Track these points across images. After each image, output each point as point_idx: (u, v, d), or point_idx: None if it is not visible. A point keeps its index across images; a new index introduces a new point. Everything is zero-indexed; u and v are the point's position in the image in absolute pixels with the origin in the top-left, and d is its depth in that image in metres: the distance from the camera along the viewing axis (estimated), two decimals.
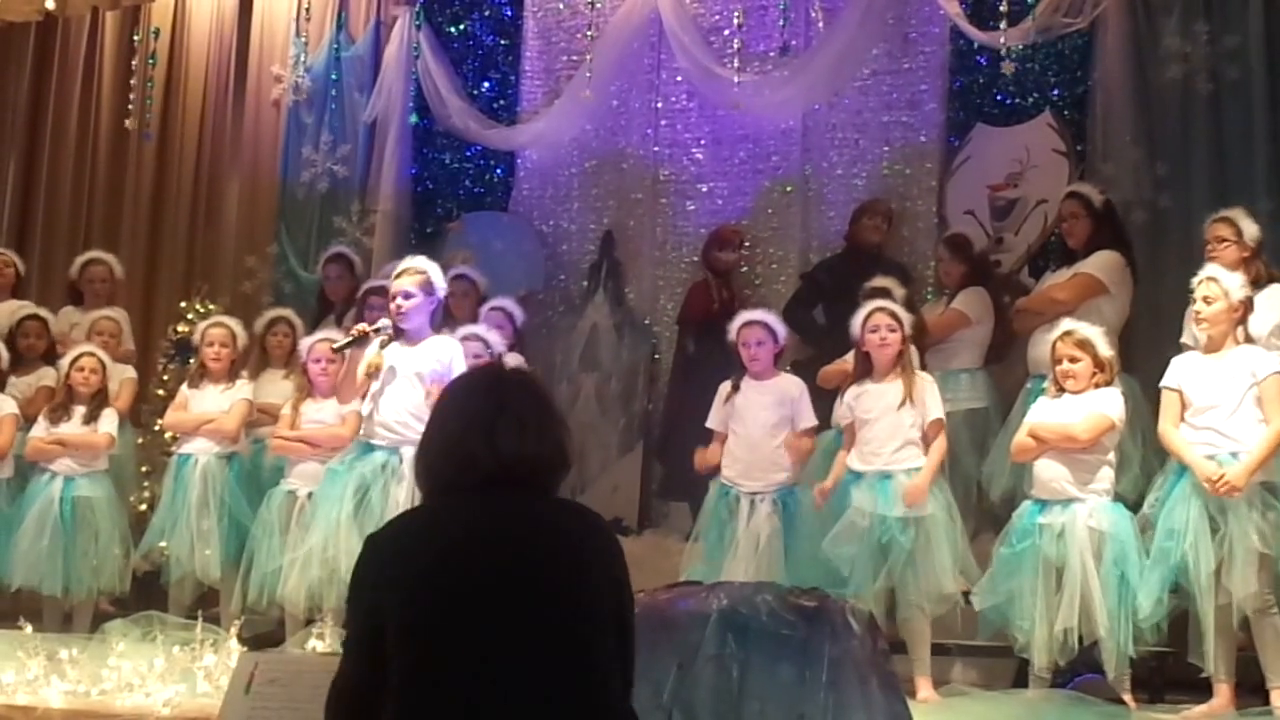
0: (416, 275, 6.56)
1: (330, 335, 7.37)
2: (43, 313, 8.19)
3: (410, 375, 6.43)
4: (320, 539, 6.41)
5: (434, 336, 6.60)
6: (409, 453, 6.37)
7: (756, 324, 6.69)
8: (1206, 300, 5.96)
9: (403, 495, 6.33)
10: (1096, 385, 6.10)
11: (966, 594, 6.26)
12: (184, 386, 7.67)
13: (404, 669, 2.57)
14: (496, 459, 2.67)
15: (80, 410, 7.45)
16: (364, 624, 2.66)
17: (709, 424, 6.78)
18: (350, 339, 6.54)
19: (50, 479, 7.38)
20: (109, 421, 7.47)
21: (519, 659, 2.55)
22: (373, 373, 6.46)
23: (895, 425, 6.30)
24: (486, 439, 2.68)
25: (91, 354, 7.56)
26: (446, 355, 6.52)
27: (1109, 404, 6.05)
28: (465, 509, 2.69)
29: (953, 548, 6.24)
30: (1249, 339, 6.01)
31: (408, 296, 6.49)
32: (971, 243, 7.61)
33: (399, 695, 2.57)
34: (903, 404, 6.29)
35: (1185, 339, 6.28)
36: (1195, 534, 5.75)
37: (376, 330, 6.47)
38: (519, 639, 2.56)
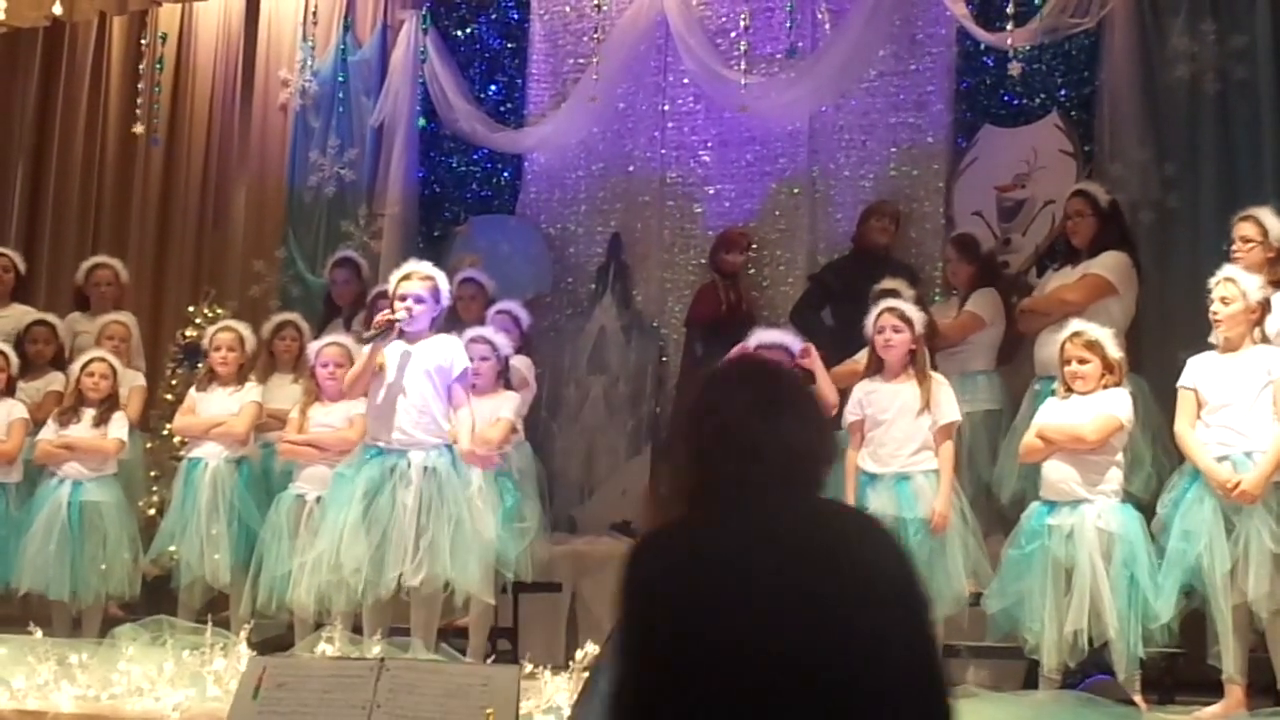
0: (427, 280, 6.56)
1: (338, 339, 7.38)
2: (51, 318, 8.20)
3: (419, 374, 6.42)
4: (328, 543, 6.40)
5: (437, 335, 6.62)
6: (418, 457, 6.38)
7: (775, 348, 6.70)
8: (1224, 301, 5.95)
9: (410, 499, 6.32)
10: (1105, 386, 6.10)
11: (978, 596, 6.25)
12: (192, 390, 7.67)
13: (695, 687, 2.25)
14: (781, 446, 2.38)
15: (89, 414, 7.46)
16: (646, 630, 2.33)
17: None
18: (377, 331, 6.49)
19: (59, 483, 7.39)
20: (119, 427, 7.48)
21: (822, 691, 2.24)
22: (375, 372, 6.48)
23: (913, 428, 6.31)
24: (769, 426, 2.40)
25: (103, 359, 7.57)
26: (451, 352, 6.55)
27: (1118, 405, 6.05)
28: (768, 515, 2.36)
29: (965, 550, 6.25)
30: (1265, 339, 6.00)
31: (419, 300, 6.48)
32: (979, 243, 7.61)
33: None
34: (922, 410, 6.30)
35: (1214, 339, 6.24)
36: (1210, 535, 5.75)
37: (396, 320, 6.45)
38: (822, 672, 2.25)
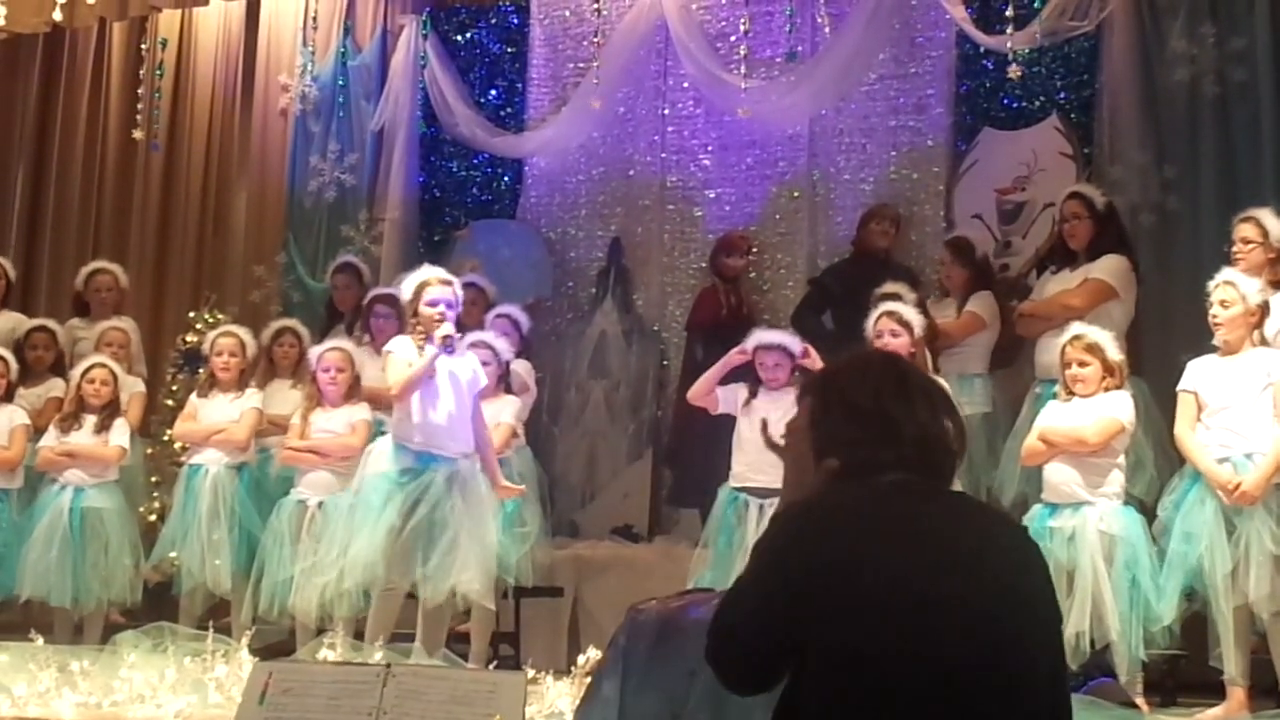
0: (449, 285, 6.52)
1: (339, 344, 7.38)
2: (50, 324, 8.20)
3: (460, 384, 6.42)
4: (364, 546, 6.32)
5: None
6: (467, 465, 6.37)
7: (774, 348, 6.71)
8: (1224, 304, 5.96)
9: (460, 504, 6.29)
10: (1106, 389, 6.11)
11: None
12: (193, 396, 7.67)
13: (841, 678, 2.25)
14: (916, 427, 2.40)
15: (91, 420, 7.46)
16: (780, 598, 2.34)
17: (723, 409, 6.79)
18: (441, 348, 6.36)
19: (60, 490, 7.39)
20: (120, 434, 7.48)
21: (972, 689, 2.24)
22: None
23: None
24: (905, 405, 2.41)
25: (103, 365, 7.57)
26: (476, 366, 6.59)
27: (1119, 407, 6.06)
28: (905, 494, 2.37)
29: None
30: (1264, 342, 6.00)
31: (451, 306, 6.45)
32: (974, 246, 7.61)
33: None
34: None
35: (1218, 341, 6.23)
36: (1211, 537, 5.76)
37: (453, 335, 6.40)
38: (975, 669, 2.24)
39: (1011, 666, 2.26)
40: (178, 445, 7.96)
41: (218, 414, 7.46)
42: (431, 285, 6.45)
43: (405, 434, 6.40)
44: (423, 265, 6.79)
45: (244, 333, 7.71)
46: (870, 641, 2.24)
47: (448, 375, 6.38)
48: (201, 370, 7.90)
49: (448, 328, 6.37)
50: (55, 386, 7.85)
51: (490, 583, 6.49)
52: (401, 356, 6.42)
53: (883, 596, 2.25)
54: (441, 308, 6.41)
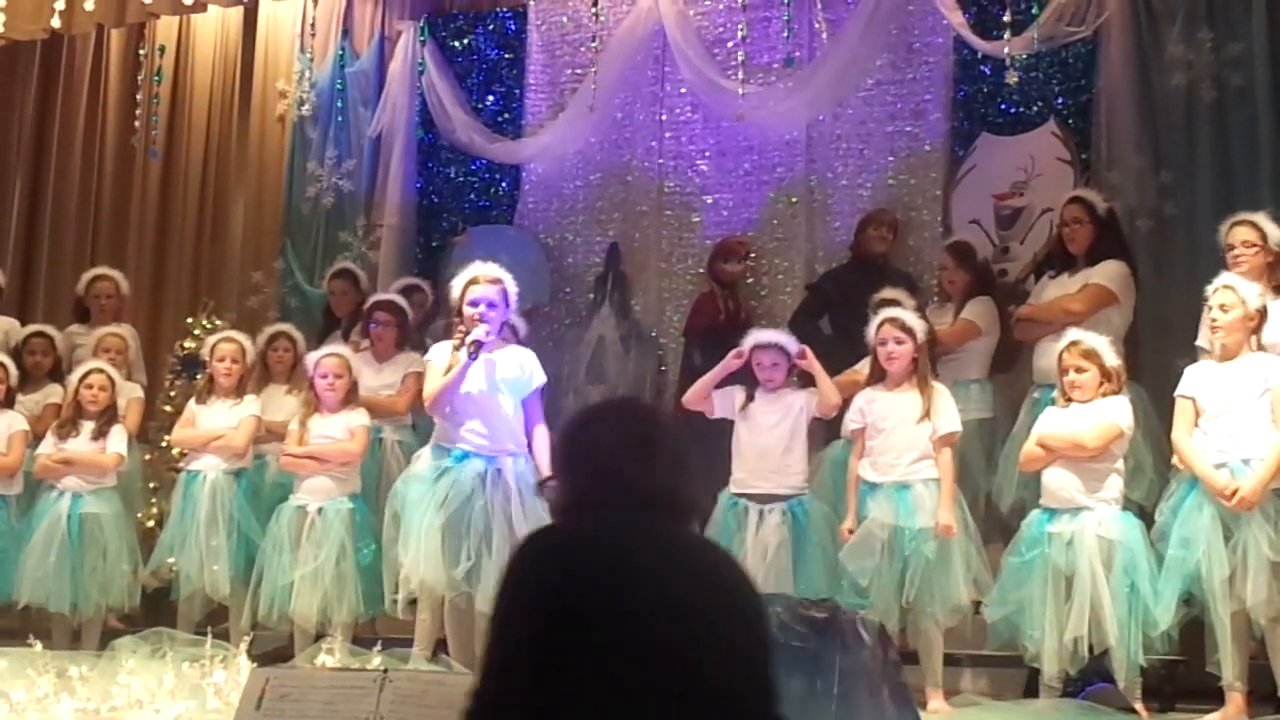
0: (496, 283, 6.46)
1: (336, 350, 7.38)
2: (49, 330, 8.20)
3: (496, 383, 6.37)
4: (414, 547, 6.27)
5: (511, 345, 6.60)
6: (510, 463, 6.31)
7: (771, 348, 6.70)
8: (1223, 308, 5.96)
9: (499, 501, 6.24)
10: (1104, 394, 6.11)
11: (978, 604, 6.26)
12: (191, 402, 7.66)
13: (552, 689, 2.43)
14: (648, 483, 2.64)
15: (88, 427, 7.46)
16: (525, 635, 2.48)
17: (720, 413, 6.78)
18: (470, 353, 6.30)
19: (58, 496, 7.39)
20: (118, 441, 7.48)
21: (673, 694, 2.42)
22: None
23: (913, 437, 6.32)
24: (640, 464, 2.66)
25: (100, 370, 7.57)
26: (528, 365, 6.49)
27: (1118, 412, 6.06)
28: (610, 530, 2.60)
29: (966, 558, 6.25)
30: (1262, 347, 6.00)
31: (492, 306, 6.39)
32: (975, 250, 7.61)
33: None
34: (923, 418, 6.30)
35: (1201, 341, 6.25)
36: (1208, 543, 5.76)
37: (482, 340, 6.32)
38: (676, 674, 2.44)
39: (727, 662, 2.47)
40: (176, 451, 7.95)
41: (216, 420, 7.46)
42: (477, 284, 6.39)
43: (440, 434, 6.39)
44: (473, 263, 6.69)
45: (244, 339, 7.71)
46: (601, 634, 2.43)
47: (484, 373, 6.30)
48: (200, 376, 7.90)
49: (478, 332, 6.29)
50: (54, 392, 7.85)
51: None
52: (439, 363, 6.36)
53: (597, 631, 2.44)
54: (482, 307, 6.34)
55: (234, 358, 7.54)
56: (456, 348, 6.35)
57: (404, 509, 6.41)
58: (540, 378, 6.51)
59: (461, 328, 6.38)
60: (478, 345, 6.27)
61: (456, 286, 6.48)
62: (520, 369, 6.41)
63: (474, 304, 6.36)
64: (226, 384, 7.53)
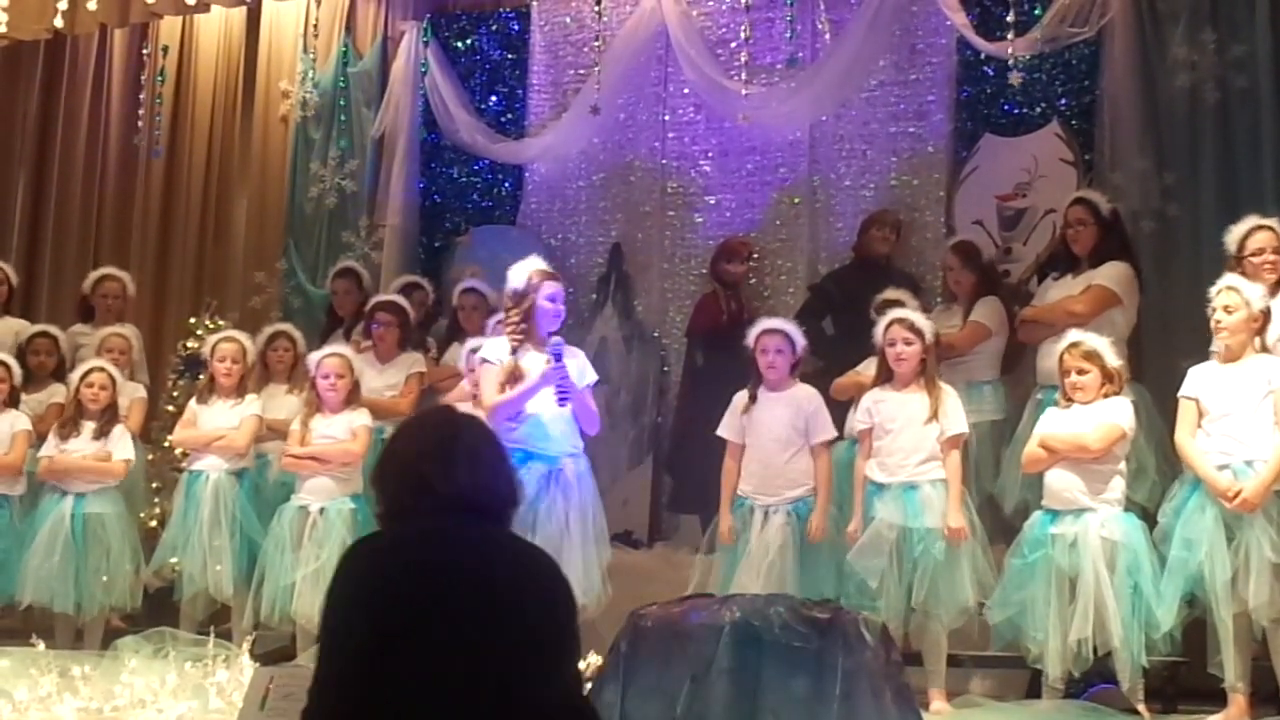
0: (557, 278, 6.29)
1: (339, 350, 7.38)
2: (52, 330, 8.21)
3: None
4: None
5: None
6: (571, 464, 6.21)
7: (776, 332, 6.67)
8: (1227, 310, 5.95)
9: (561, 503, 6.14)
10: (1106, 395, 6.11)
11: (981, 605, 6.25)
12: (192, 402, 7.67)
13: (342, 684, 2.67)
14: (450, 484, 2.79)
15: (90, 426, 7.46)
16: (351, 643, 2.70)
17: (721, 432, 6.75)
18: (558, 364, 6.06)
19: (61, 496, 7.39)
20: (123, 446, 7.47)
21: (446, 685, 2.62)
22: (512, 380, 6.12)
23: (920, 438, 6.31)
24: (441, 465, 2.81)
25: (101, 369, 7.57)
26: (582, 362, 6.30)
27: (1120, 413, 6.06)
28: (419, 534, 2.79)
29: (973, 559, 6.24)
30: (1266, 349, 6.00)
31: (557, 300, 6.21)
32: (981, 251, 7.60)
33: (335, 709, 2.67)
34: (930, 420, 6.29)
35: (1216, 346, 6.21)
36: (1211, 544, 5.76)
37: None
38: (448, 668, 2.63)
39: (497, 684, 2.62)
40: (179, 452, 7.96)
41: (218, 420, 7.46)
42: (554, 280, 6.14)
43: (501, 434, 6.16)
44: (531, 258, 6.36)
45: (245, 338, 7.71)
46: (362, 666, 2.63)
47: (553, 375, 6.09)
48: (201, 376, 7.91)
49: (557, 344, 6.08)
50: (57, 392, 7.86)
51: (590, 586, 6.17)
52: (497, 363, 6.07)
53: (382, 602, 2.66)
54: (560, 306, 6.17)
55: (234, 358, 7.55)
56: (515, 348, 6.09)
57: None
58: (592, 375, 6.35)
59: (521, 325, 6.12)
60: (560, 360, 6.03)
61: (518, 279, 6.20)
62: (576, 369, 6.20)
63: (553, 299, 6.14)
64: (227, 384, 7.53)
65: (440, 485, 2.79)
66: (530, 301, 6.12)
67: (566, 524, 6.12)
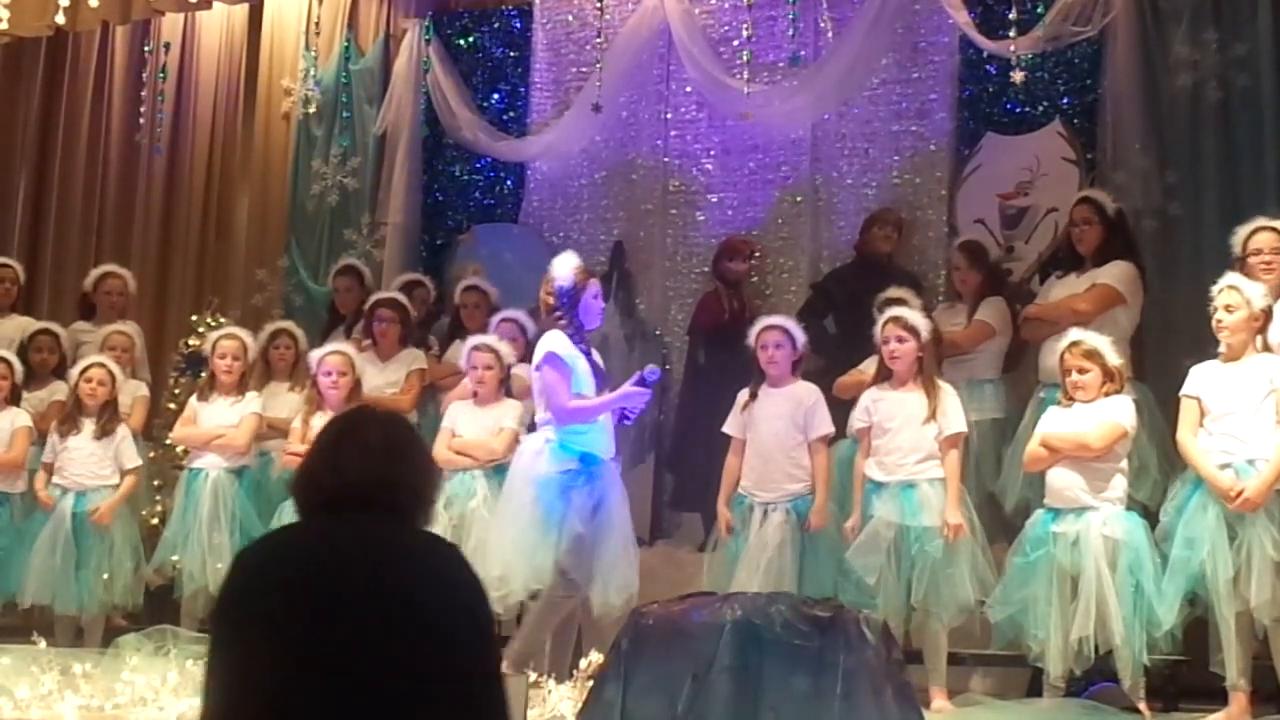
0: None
1: (340, 347, 7.37)
2: (54, 327, 8.21)
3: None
4: (537, 546, 6.02)
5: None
6: (615, 466, 6.26)
7: (776, 328, 6.70)
8: (1228, 309, 5.94)
9: (618, 507, 6.17)
10: (1106, 394, 6.11)
11: (982, 603, 6.25)
12: (193, 399, 7.67)
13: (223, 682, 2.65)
14: (338, 478, 2.77)
15: (90, 423, 7.46)
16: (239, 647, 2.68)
17: (726, 429, 6.77)
18: (650, 384, 6.13)
19: (61, 494, 7.39)
20: (128, 451, 7.45)
21: (320, 687, 2.57)
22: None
23: (919, 437, 6.31)
24: (331, 462, 2.80)
25: (101, 365, 7.56)
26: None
27: (1121, 412, 6.06)
28: (305, 533, 2.81)
29: (972, 557, 6.24)
30: (1268, 348, 5.99)
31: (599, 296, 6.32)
32: (987, 250, 7.60)
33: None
34: (929, 419, 6.29)
35: (1222, 345, 6.19)
36: (1213, 543, 5.76)
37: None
38: (325, 669, 2.58)
39: (396, 684, 2.56)
40: (180, 449, 7.96)
41: (218, 417, 7.46)
42: (595, 278, 6.19)
43: (568, 437, 6.02)
44: (568, 254, 6.35)
45: (246, 335, 7.71)
46: (252, 660, 2.60)
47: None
48: (203, 373, 7.90)
49: (653, 371, 6.12)
50: (58, 390, 7.86)
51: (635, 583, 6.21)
52: (569, 359, 5.97)
53: (271, 621, 2.62)
54: (602, 303, 6.18)
55: (235, 355, 7.54)
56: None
57: (537, 507, 6.01)
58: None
59: (572, 323, 6.10)
60: (653, 376, 6.12)
61: (566, 272, 6.12)
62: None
63: (598, 297, 6.17)
64: (228, 381, 7.53)
65: (329, 482, 2.77)
66: (579, 299, 6.12)
67: (622, 524, 6.14)
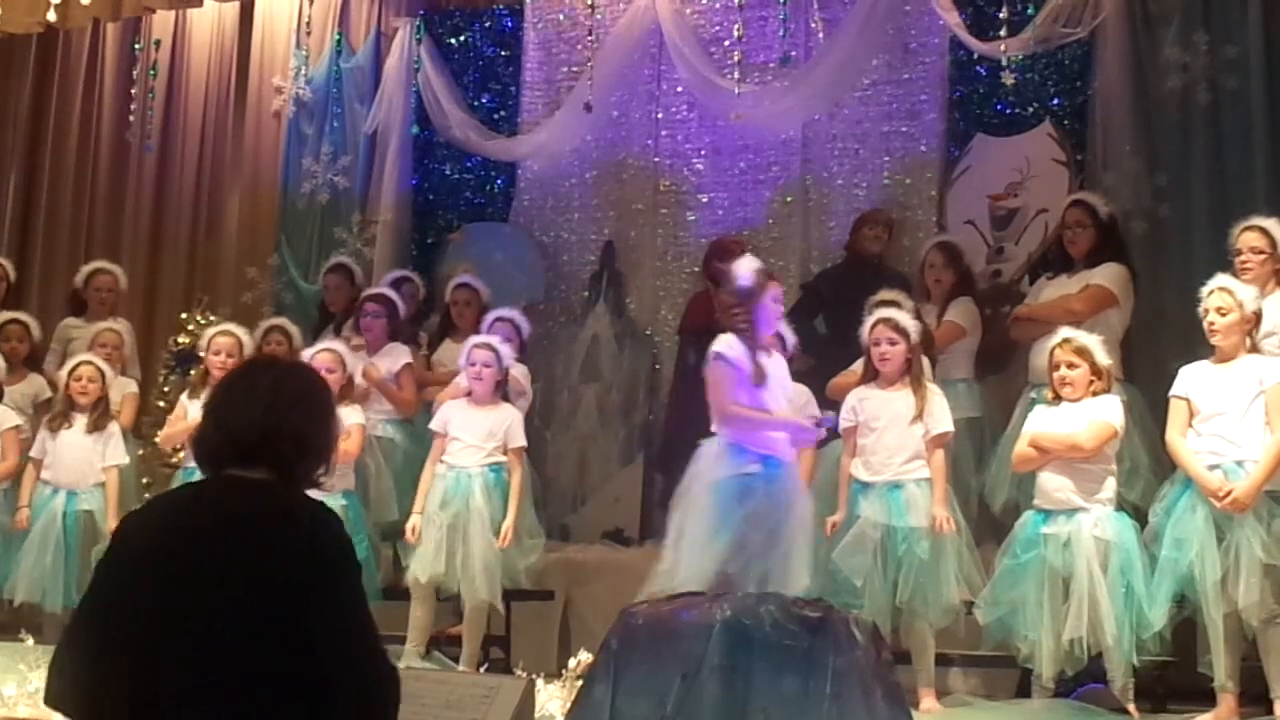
0: None
1: (331, 346, 7.36)
2: (24, 317, 8.19)
3: (785, 387, 6.15)
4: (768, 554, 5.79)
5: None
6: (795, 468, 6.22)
7: None
8: (1220, 311, 5.94)
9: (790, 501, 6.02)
10: (1094, 393, 6.11)
11: (970, 604, 6.26)
12: (184, 396, 7.64)
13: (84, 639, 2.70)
14: (220, 429, 2.78)
15: (81, 420, 7.44)
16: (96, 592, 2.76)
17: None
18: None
19: (53, 493, 7.39)
20: (116, 449, 7.44)
21: (157, 651, 2.59)
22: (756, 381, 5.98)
23: (905, 437, 6.31)
24: (220, 407, 2.82)
25: (90, 363, 7.55)
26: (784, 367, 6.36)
27: (1110, 411, 6.06)
28: (173, 497, 2.92)
29: (958, 558, 6.24)
30: (1257, 349, 6.00)
31: None
32: (964, 251, 7.61)
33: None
34: (915, 419, 6.29)
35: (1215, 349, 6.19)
36: (1201, 544, 5.76)
37: None
38: (161, 633, 2.60)
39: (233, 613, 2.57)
40: (170, 448, 7.94)
41: None
42: (776, 281, 6.00)
43: (747, 439, 5.81)
44: (748, 257, 6.11)
45: (242, 332, 7.63)
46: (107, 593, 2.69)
47: (782, 391, 5.93)
48: (194, 370, 7.88)
49: (829, 419, 6.14)
50: (36, 382, 7.87)
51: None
52: (737, 362, 5.74)
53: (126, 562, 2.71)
54: (781, 307, 6.00)
55: (230, 351, 7.49)
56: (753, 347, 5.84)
57: (711, 511, 5.77)
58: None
59: (748, 324, 5.85)
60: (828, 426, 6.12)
61: (746, 278, 5.87)
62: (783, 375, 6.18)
63: (777, 300, 5.95)
64: (221, 377, 7.48)
65: (211, 433, 2.79)
66: (758, 301, 5.88)
67: (801, 528, 5.91)
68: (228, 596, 2.58)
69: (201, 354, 7.68)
